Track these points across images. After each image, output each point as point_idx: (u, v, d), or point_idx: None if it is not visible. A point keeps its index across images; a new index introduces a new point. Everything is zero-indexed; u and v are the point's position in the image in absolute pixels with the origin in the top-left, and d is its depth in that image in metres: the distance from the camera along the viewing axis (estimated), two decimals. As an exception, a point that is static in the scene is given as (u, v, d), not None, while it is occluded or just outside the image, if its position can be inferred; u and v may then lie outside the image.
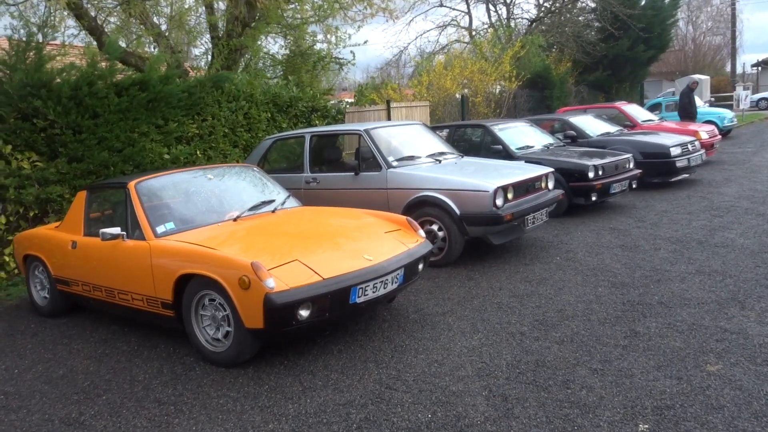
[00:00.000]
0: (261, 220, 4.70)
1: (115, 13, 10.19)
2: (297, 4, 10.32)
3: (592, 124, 10.61)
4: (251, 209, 4.80)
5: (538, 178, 6.44)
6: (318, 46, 11.48)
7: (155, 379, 3.82)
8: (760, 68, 38.82)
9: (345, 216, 5.00)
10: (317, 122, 10.17)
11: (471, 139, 9.40)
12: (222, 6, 10.75)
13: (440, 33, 24.74)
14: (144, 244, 4.26)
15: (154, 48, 10.72)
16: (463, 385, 3.42)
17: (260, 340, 3.87)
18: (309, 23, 10.54)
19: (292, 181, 7.02)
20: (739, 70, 41.00)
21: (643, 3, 22.74)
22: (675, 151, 9.45)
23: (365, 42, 11.88)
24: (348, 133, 7.31)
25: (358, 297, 3.90)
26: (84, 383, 3.85)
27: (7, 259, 6.45)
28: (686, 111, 13.98)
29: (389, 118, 11.85)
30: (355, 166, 6.55)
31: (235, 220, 4.61)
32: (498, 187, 5.74)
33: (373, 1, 10.38)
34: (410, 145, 7.00)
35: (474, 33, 24.29)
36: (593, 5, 23.14)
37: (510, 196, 5.93)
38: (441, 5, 24.98)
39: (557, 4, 23.54)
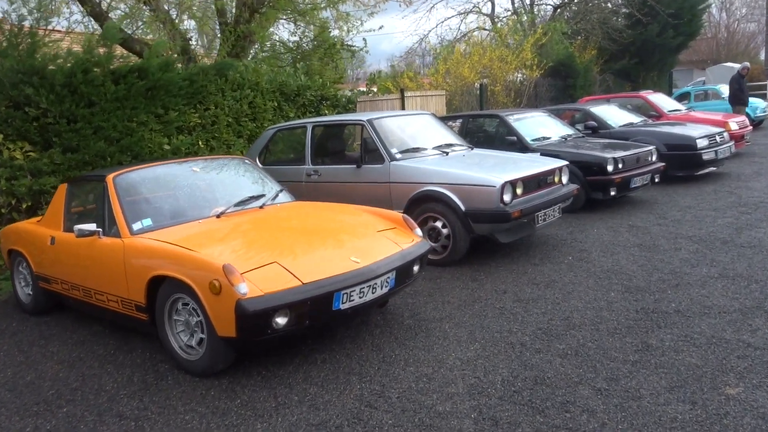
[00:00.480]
0: (246, 216, 4.40)
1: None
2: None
3: (614, 115, 10.12)
4: (237, 205, 4.50)
5: (551, 172, 6.03)
6: (330, 33, 11.12)
7: (123, 389, 3.55)
8: (795, 56, 37.39)
9: (337, 213, 4.68)
10: (327, 112, 9.85)
11: (486, 130, 9.00)
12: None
13: (462, 20, 24.07)
14: (118, 242, 3.99)
15: (164, 35, 10.47)
16: (450, 405, 3.09)
17: (235, 349, 3.58)
18: (319, 8, 10.18)
19: (294, 173, 6.73)
20: (773, 58, 39.59)
21: (672, -12, 21.89)
22: (701, 143, 8.92)
23: (380, 28, 11.47)
24: (351, 123, 6.96)
25: (343, 303, 3.58)
26: (49, 392, 3.60)
27: (-2, 252, 6.28)
28: (737, 98, 13.37)
29: (403, 108, 11.48)
30: (358, 158, 6.23)
31: (218, 216, 4.31)
32: (506, 182, 5.36)
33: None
34: (417, 136, 6.64)
35: (496, 20, 23.67)
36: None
37: (519, 191, 5.55)
38: (463, -9, 24.41)
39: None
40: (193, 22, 11.00)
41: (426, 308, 4.56)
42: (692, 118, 11.06)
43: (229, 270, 3.28)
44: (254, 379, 3.55)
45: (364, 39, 11.51)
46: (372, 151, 6.16)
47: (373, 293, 3.74)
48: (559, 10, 22.78)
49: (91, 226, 4.09)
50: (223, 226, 4.15)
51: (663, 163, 8.19)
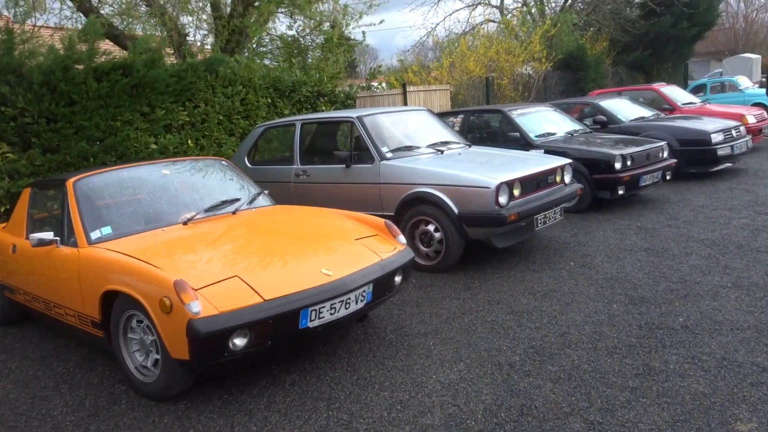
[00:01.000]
0: (216, 223, 4.08)
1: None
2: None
3: (624, 108, 9.66)
4: (208, 210, 4.18)
5: (552, 171, 5.65)
6: (327, 26, 10.75)
7: (72, 415, 3.25)
8: (816, 47, 36.47)
9: (315, 218, 4.35)
10: (324, 108, 9.50)
11: (488, 126, 8.62)
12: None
13: (470, 13, 23.58)
14: (74, 252, 3.68)
15: (160, 31, 10.17)
16: (424, 439, 2.75)
17: (193, 372, 3.26)
18: (316, 0, 9.81)
19: (282, 173, 6.41)
20: (793, 48, 38.60)
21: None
22: (716, 138, 8.46)
23: (381, 22, 11.08)
24: (340, 121, 6.61)
25: (311, 321, 3.25)
26: (-8, 417, 3.31)
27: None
28: None
29: (405, 103, 11.11)
30: (347, 157, 5.88)
31: (185, 223, 4.00)
32: (502, 183, 5.00)
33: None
34: (411, 134, 6.29)
35: (506, 12, 23.14)
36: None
37: (517, 192, 5.18)
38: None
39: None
40: (189, 18, 10.70)
41: (411, 321, 4.21)
42: (707, 111, 10.58)
43: (180, 286, 2.96)
44: (213, 404, 3.23)
45: (363, 32, 11.07)
46: (362, 150, 5.82)
47: (346, 309, 3.40)
48: (570, 1, 22.19)
49: (48, 235, 3.79)
50: (188, 234, 3.84)
51: (674, 160, 7.76)
